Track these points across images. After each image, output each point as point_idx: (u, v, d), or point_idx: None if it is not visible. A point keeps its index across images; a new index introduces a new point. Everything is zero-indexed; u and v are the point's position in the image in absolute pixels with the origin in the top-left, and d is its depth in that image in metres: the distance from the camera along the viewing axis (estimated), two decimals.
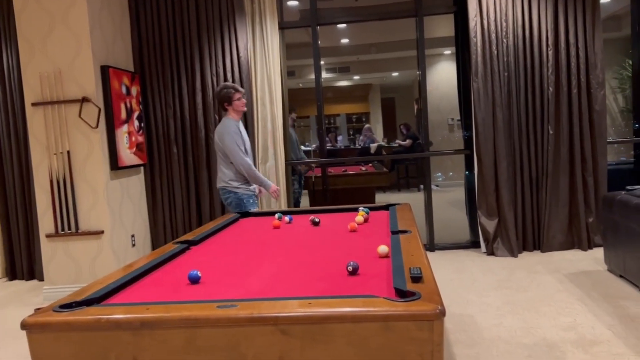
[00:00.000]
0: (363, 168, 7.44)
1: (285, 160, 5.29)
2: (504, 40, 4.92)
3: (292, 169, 6.07)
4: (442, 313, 1.40)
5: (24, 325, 1.56)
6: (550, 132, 4.92)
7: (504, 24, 4.90)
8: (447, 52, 10.54)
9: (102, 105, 4.54)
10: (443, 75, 10.73)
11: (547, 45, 4.88)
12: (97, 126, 4.49)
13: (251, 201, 4.10)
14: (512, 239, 4.96)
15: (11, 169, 5.31)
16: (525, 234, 5.09)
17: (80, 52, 4.44)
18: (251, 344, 1.47)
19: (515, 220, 5.03)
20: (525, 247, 5.10)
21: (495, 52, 4.91)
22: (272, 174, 5.26)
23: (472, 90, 5.01)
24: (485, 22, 4.90)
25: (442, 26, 7.80)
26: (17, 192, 5.31)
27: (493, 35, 4.90)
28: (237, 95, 4.02)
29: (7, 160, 5.32)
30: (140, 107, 5.16)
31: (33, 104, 4.49)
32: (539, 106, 4.95)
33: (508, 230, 4.97)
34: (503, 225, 5.01)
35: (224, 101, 4.04)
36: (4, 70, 5.23)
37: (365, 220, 3.03)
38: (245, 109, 4.11)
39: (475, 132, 5.03)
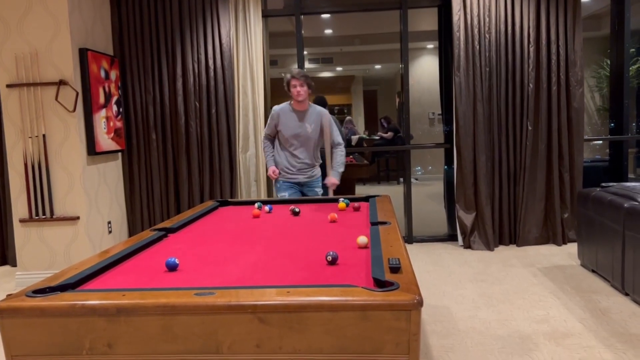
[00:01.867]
0: None
1: None
2: (487, 36, 4.95)
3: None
4: (420, 303, 1.41)
5: None
6: (529, 127, 4.98)
7: (487, 20, 4.94)
8: (430, 46, 10.58)
9: (79, 89, 4.45)
10: (425, 69, 10.78)
11: (529, 42, 4.93)
12: (74, 110, 4.40)
13: (277, 185, 4.09)
14: (489, 232, 5.03)
15: None
16: (502, 228, 5.16)
17: (59, 33, 4.34)
18: (229, 332, 1.46)
19: (492, 214, 5.10)
20: (501, 241, 5.18)
21: (478, 47, 4.94)
22: (252, 163, 5.23)
23: (454, 84, 5.04)
24: (468, 17, 4.93)
25: (426, 20, 7.83)
26: None
27: (476, 30, 4.93)
28: (292, 82, 3.90)
29: None
30: (119, 92, 5.08)
31: (8, 86, 4.38)
32: (518, 102, 5.01)
33: (485, 224, 5.03)
34: (480, 219, 5.08)
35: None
36: None
37: (356, 209, 3.05)
38: (297, 96, 3.88)
39: (455, 126, 5.07)
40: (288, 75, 3.90)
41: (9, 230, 5.14)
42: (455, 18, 4.95)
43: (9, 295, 1.64)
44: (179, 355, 1.48)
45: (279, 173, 4.01)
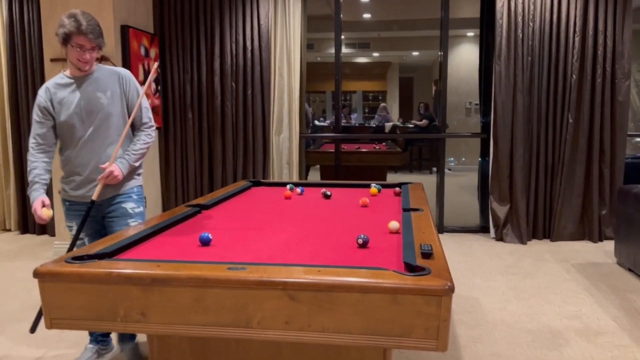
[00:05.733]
0: (376, 147, 7.40)
1: (300, 133, 5.27)
2: (530, 24, 4.81)
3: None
4: (451, 289, 1.40)
5: (37, 274, 1.58)
6: (570, 120, 4.84)
7: (532, 7, 4.79)
8: (470, 34, 10.35)
9: (120, 65, 4.53)
10: (464, 57, 10.56)
11: (574, 31, 4.77)
12: None
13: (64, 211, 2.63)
14: (522, 226, 4.93)
15: (27, 124, 5.35)
16: (536, 222, 5.06)
17: (102, 10, 4.42)
18: (259, 307, 1.48)
19: (527, 208, 4.99)
20: (535, 235, 5.08)
21: (521, 35, 4.80)
22: (285, 146, 5.25)
23: (493, 74, 4.93)
24: (512, 4, 4.79)
25: (467, 6, 7.65)
26: None
27: (519, 18, 4.79)
28: (77, 40, 2.34)
29: (24, 114, 5.35)
30: (158, 69, 5.15)
31: (52, 60, 4.50)
32: (560, 93, 4.86)
33: (519, 217, 4.94)
34: (514, 212, 4.98)
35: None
36: (25, 26, 5.22)
37: (397, 194, 3.03)
38: (83, 65, 2.41)
39: (493, 116, 4.97)
40: (66, 29, 2.32)
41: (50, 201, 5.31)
42: (498, 5, 4.82)
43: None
44: (210, 327, 1.51)
45: (60, 191, 2.64)
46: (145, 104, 2.61)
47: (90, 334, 2.71)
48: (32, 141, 2.52)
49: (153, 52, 5.03)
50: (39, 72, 5.19)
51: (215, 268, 1.55)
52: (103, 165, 2.44)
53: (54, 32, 3.97)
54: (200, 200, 2.77)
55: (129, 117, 2.55)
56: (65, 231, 4.67)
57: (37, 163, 2.52)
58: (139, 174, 2.71)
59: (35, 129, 2.50)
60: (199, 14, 5.16)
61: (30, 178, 2.52)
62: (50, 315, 1.60)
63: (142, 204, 2.67)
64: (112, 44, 4.44)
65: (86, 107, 2.46)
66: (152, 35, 5.03)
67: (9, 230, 5.64)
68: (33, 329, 2.37)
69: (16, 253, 4.77)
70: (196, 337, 1.74)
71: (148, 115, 2.61)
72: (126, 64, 4.54)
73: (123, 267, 1.58)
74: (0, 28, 5.28)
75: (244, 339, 1.53)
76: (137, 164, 2.60)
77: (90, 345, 2.70)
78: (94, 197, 2.43)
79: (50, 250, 4.81)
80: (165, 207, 5.41)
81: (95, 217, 2.57)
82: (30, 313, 3.29)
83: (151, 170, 5.18)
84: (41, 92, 2.50)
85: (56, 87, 2.49)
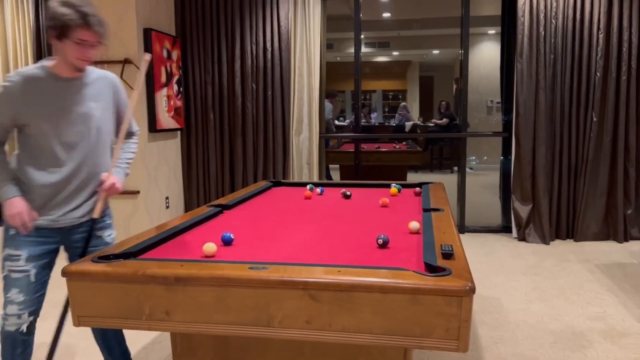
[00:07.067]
0: (396, 146, 7.38)
1: (320, 133, 5.29)
2: (553, 21, 4.75)
3: None
4: (472, 290, 1.40)
5: (65, 273, 1.63)
6: (594, 119, 4.76)
7: (554, 4, 4.73)
8: (491, 32, 10.25)
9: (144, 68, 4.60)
10: (485, 55, 10.46)
11: (598, 28, 4.69)
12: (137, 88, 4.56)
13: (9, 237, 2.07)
14: (545, 225, 4.87)
15: None
16: (559, 222, 4.99)
17: (125, 13, 4.50)
18: (280, 307, 1.50)
19: (550, 207, 4.93)
20: (558, 235, 5.01)
21: (543, 32, 4.75)
22: (305, 146, 5.27)
23: (515, 72, 4.87)
24: (534, 1, 4.73)
25: (488, 4, 7.57)
26: None
27: (542, 15, 4.74)
28: (82, 35, 1.92)
29: None
30: (180, 71, 5.22)
31: None
32: (584, 91, 4.79)
33: (541, 216, 4.88)
34: (537, 212, 4.92)
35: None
36: None
37: (417, 194, 3.03)
38: (82, 64, 2.00)
39: (515, 115, 4.92)
40: (66, 20, 1.88)
41: None
42: (520, 2, 4.77)
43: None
44: (232, 326, 1.54)
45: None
46: (131, 113, 2.22)
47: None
48: None
49: (175, 55, 5.10)
50: None
51: (237, 268, 1.57)
52: (104, 176, 2.11)
53: None
54: (222, 201, 2.80)
55: (116, 130, 2.21)
56: None
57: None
58: None
59: None
60: (219, 16, 5.21)
61: None
62: (78, 313, 1.65)
63: (113, 227, 2.31)
64: (135, 47, 4.52)
65: (72, 118, 2.02)
66: (174, 38, 5.10)
67: None
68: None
69: None
70: (218, 335, 1.77)
71: (134, 125, 2.35)
72: (149, 66, 4.61)
73: (148, 267, 1.62)
74: (28, 33, 5.40)
75: (266, 337, 1.55)
76: (128, 172, 2.30)
77: None
78: (95, 215, 2.12)
79: None
80: (188, 207, 5.48)
81: (57, 245, 2.12)
82: (55, 311, 3.37)
83: (174, 171, 5.26)
84: (15, 79, 1.96)
85: (35, 82, 1.98)
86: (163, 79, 4.84)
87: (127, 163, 2.26)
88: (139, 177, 4.65)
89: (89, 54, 1.97)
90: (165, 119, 4.90)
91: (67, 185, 2.07)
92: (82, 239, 2.15)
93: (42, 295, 2.13)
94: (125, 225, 4.71)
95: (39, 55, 5.39)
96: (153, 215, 4.81)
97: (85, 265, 1.65)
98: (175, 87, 5.11)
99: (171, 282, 1.56)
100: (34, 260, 2.05)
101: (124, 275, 1.60)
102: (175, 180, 5.29)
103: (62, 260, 2.12)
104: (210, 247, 1.80)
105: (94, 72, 2.12)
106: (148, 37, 4.60)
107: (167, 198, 5.09)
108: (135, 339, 2.93)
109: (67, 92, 2.02)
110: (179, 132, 5.36)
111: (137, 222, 4.68)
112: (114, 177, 2.12)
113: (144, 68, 2.11)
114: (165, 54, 4.88)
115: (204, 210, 2.56)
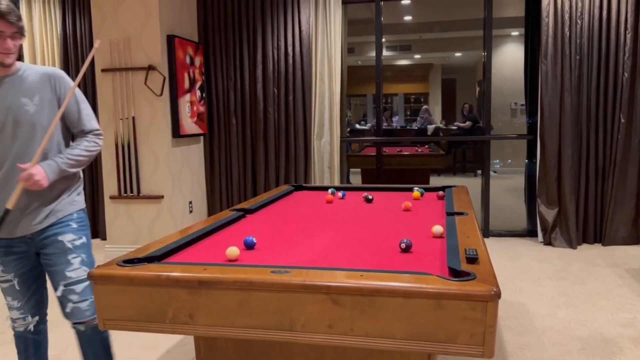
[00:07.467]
0: (419, 149, 7.33)
1: (340, 137, 5.29)
2: (578, 22, 4.67)
3: None
4: (497, 295, 1.37)
5: (91, 277, 1.65)
6: (622, 120, 4.66)
7: (579, 4, 4.65)
8: (515, 33, 10.12)
9: (166, 74, 4.67)
10: (508, 57, 10.34)
11: (626, 28, 4.59)
12: (161, 94, 4.63)
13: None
14: (572, 229, 4.78)
15: None
16: (586, 226, 4.89)
17: (149, 21, 4.57)
18: (302, 311, 1.49)
19: (577, 211, 4.83)
20: (585, 239, 4.91)
21: (568, 33, 4.67)
22: (327, 150, 5.27)
23: (540, 73, 4.80)
24: (559, 1, 4.66)
25: (511, 5, 7.49)
26: None
27: (567, 16, 4.66)
28: None
29: None
30: (203, 77, 5.27)
31: (103, 70, 4.68)
32: (611, 92, 4.69)
33: (568, 220, 4.79)
34: (563, 215, 4.83)
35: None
36: (77, 38, 5.46)
37: (440, 198, 3.00)
38: (5, 58, 1.93)
39: (540, 117, 4.84)
40: None
41: (101, 206, 5.52)
42: (544, 3, 4.70)
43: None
44: (255, 330, 1.54)
45: None
46: (87, 110, 2.10)
47: None
48: None
49: (198, 61, 5.16)
50: (90, 82, 5.41)
51: (260, 271, 1.58)
52: (22, 165, 1.90)
53: (104, 43, 3.99)
54: (245, 205, 2.81)
55: (65, 128, 2.08)
56: (115, 236, 4.85)
57: None
58: (79, 194, 2.16)
59: None
60: (241, 21, 5.26)
61: None
62: (103, 316, 1.67)
63: (84, 234, 2.11)
64: (159, 53, 4.59)
65: (6, 118, 1.94)
66: (197, 44, 5.16)
67: None
68: None
69: None
70: (241, 339, 1.78)
71: (91, 122, 2.11)
72: (172, 72, 4.68)
73: (171, 270, 1.63)
74: (55, 42, 5.53)
75: (288, 342, 1.55)
76: (71, 171, 2.04)
77: None
78: (9, 205, 1.90)
79: (101, 254, 4.99)
80: (211, 211, 5.53)
81: (26, 253, 2.04)
82: None
83: (197, 175, 5.31)
84: None
85: None
86: (186, 85, 4.90)
87: (70, 159, 2.01)
88: (163, 182, 4.71)
89: (7, 45, 1.90)
90: (189, 125, 4.95)
91: (2, 189, 1.95)
92: (43, 246, 2.03)
93: (40, 298, 2.16)
94: (149, 230, 4.77)
95: (66, 62, 5.51)
96: (177, 219, 4.86)
97: (110, 269, 1.67)
98: (198, 92, 5.17)
99: (194, 285, 1.57)
100: (12, 269, 2.04)
101: (147, 278, 1.61)
102: (198, 184, 5.35)
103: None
104: (233, 251, 1.81)
105: (30, 69, 2.03)
106: (171, 44, 4.66)
107: (190, 202, 5.14)
108: (158, 343, 2.96)
109: None
110: (202, 137, 5.41)
111: (161, 226, 4.74)
112: (36, 168, 1.91)
113: (91, 54, 1.99)
114: (188, 60, 4.94)
115: (226, 214, 2.58)
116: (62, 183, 2.05)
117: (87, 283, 2.04)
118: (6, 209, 1.91)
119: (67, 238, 2.04)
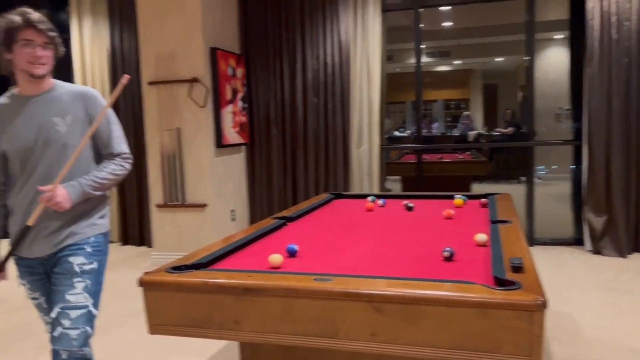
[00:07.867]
0: (460, 156, 7.23)
1: (380, 145, 5.29)
2: (626, 24, 4.53)
3: None
4: (544, 305, 1.36)
5: (141, 283, 1.72)
6: None
7: (627, 5, 4.51)
8: (558, 36, 9.87)
9: (210, 86, 4.79)
10: (552, 61, 10.08)
11: None
12: (204, 105, 4.75)
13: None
14: (622, 238, 4.61)
15: (130, 142, 5.76)
16: (638, 234, 4.71)
17: (193, 35, 4.71)
18: (345, 318, 1.51)
19: (627, 218, 4.66)
20: (636, 248, 4.73)
21: (616, 36, 4.53)
22: (366, 157, 5.27)
23: (585, 77, 4.67)
24: (605, 3, 4.54)
25: (555, 8, 7.31)
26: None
27: (613, 18, 4.53)
28: (26, 35, 1.89)
29: (125, 135, 5.77)
30: (244, 88, 5.38)
31: (149, 83, 4.84)
32: None
33: (617, 228, 4.62)
34: (612, 223, 4.67)
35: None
36: (124, 53, 5.66)
37: (483, 206, 2.96)
38: (36, 69, 1.91)
39: (587, 122, 4.71)
40: (6, 24, 1.89)
41: (147, 214, 5.69)
42: (589, 5, 4.58)
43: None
44: (299, 337, 1.56)
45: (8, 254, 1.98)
46: (118, 132, 2.11)
47: None
48: None
49: (240, 72, 5.27)
50: (137, 95, 5.60)
51: (303, 279, 1.60)
52: (43, 188, 1.88)
53: (150, 57, 4.11)
54: (286, 213, 2.86)
55: (95, 148, 2.07)
56: (161, 243, 4.98)
57: None
58: (102, 217, 2.10)
59: None
60: (281, 33, 5.35)
61: None
62: (152, 321, 1.73)
63: (97, 259, 2.02)
64: (202, 66, 4.71)
65: (37, 136, 1.94)
66: (239, 56, 5.27)
67: (112, 242, 6.08)
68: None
69: (118, 263, 5.14)
70: (285, 345, 1.80)
71: (121, 145, 2.11)
72: (215, 84, 4.80)
73: (217, 277, 1.68)
74: (105, 57, 5.76)
75: (331, 349, 1.56)
76: (95, 194, 2.00)
77: None
78: (29, 222, 1.90)
79: (147, 261, 5.14)
80: (252, 219, 5.61)
81: (46, 274, 2.04)
82: (130, 320, 3.54)
83: (239, 184, 5.41)
84: None
85: (4, 109, 1.98)
86: (228, 96, 5.01)
87: (95, 181, 1.98)
88: (206, 191, 4.82)
89: (39, 53, 1.89)
90: (231, 135, 5.06)
91: (27, 208, 1.95)
92: (53, 266, 2.00)
93: None
94: (194, 237, 4.88)
95: (113, 75, 5.72)
96: (220, 227, 4.96)
97: (159, 276, 1.74)
98: (240, 103, 5.28)
99: (240, 292, 1.61)
100: (37, 289, 2.06)
101: (194, 285, 1.66)
102: (240, 193, 5.44)
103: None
104: (276, 258, 1.85)
105: (63, 87, 2.03)
106: (214, 56, 4.79)
107: (232, 210, 5.24)
108: (202, 349, 3.03)
109: (31, 108, 1.96)
110: (243, 146, 5.51)
111: (205, 234, 4.85)
112: (59, 189, 1.88)
113: (119, 89, 1.93)
114: (230, 71, 5.05)
115: (268, 222, 2.62)
116: (83, 205, 2.00)
117: (83, 311, 1.94)
118: (26, 225, 1.91)
119: (77, 261, 1.97)
